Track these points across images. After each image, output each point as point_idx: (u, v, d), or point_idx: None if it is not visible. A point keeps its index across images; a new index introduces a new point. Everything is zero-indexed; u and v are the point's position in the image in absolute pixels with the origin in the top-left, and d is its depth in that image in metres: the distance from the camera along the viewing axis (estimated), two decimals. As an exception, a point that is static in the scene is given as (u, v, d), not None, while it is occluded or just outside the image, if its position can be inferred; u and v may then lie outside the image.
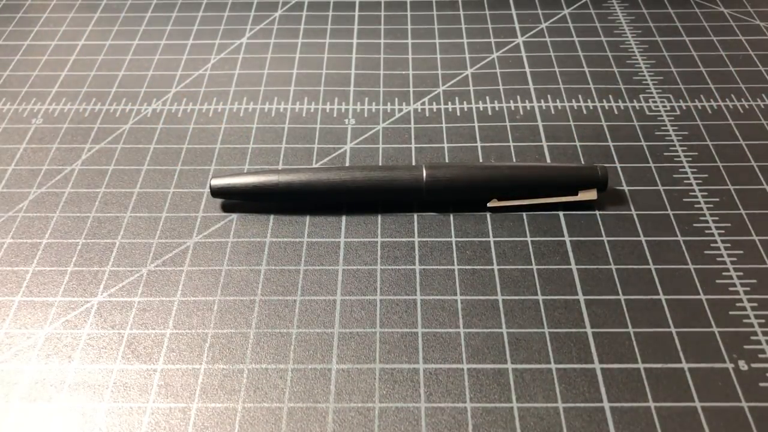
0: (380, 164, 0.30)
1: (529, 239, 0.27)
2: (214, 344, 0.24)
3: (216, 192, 0.28)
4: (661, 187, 0.29)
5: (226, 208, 0.29)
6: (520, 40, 0.37)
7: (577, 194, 0.28)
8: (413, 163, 0.30)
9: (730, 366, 0.23)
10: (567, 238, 0.27)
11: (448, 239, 0.27)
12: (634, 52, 0.36)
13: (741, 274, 0.26)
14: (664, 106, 0.33)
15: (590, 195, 0.28)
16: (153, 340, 0.24)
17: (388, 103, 0.34)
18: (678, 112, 0.33)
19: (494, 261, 0.26)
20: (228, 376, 0.23)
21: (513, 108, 0.33)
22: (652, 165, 0.30)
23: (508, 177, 0.28)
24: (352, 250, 0.27)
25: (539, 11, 0.39)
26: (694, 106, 0.33)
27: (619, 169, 0.30)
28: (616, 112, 0.33)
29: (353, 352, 0.24)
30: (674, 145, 0.31)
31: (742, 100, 0.33)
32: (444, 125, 0.32)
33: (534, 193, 0.28)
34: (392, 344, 0.24)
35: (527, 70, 0.35)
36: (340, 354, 0.24)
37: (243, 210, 0.29)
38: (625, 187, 0.29)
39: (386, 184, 0.28)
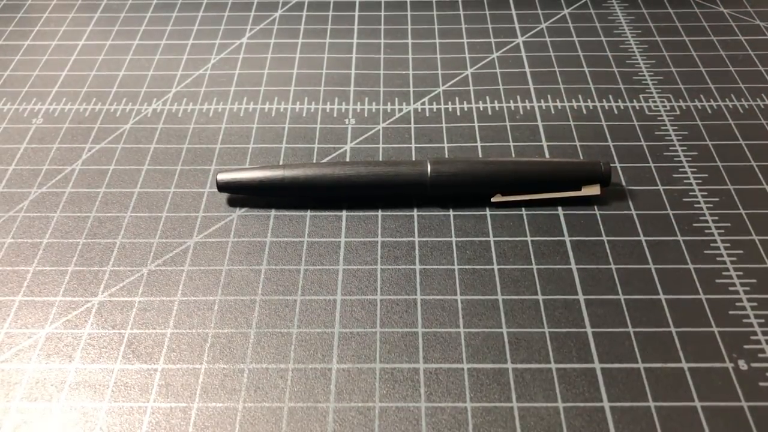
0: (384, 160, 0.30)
1: (529, 239, 0.27)
2: (215, 344, 0.24)
3: (222, 186, 0.28)
4: (660, 187, 0.29)
5: (232, 203, 0.29)
6: (520, 40, 0.37)
7: (580, 189, 0.28)
8: (413, 163, 0.30)
9: (729, 366, 0.23)
10: (567, 238, 0.27)
11: (449, 239, 0.27)
12: (634, 52, 0.36)
13: (741, 273, 0.26)
14: (664, 106, 0.33)
15: (593, 190, 0.28)
16: (153, 340, 0.24)
17: (388, 103, 0.34)
18: (678, 112, 0.33)
19: (494, 261, 0.26)
20: (228, 376, 0.23)
21: (513, 108, 0.33)
22: (651, 165, 0.30)
23: (512, 172, 0.28)
24: (352, 250, 0.27)
25: (539, 11, 0.39)
26: (693, 106, 0.33)
27: (619, 169, 0.30)
28: (616, 112, 0.33)
29: (353, 351, 0.24)
30: (674, 145, 0.31)
31: (742, 100, 0.33)
32: (444, 125, 0.32)
33: (537, 189, 0.28)
34: (392, 344, 0.24)
35: (527, 70, 0.35)
36: (341, 354, 0.24)
37: (247, 205, 0.29)
38: (625, 187, 0.29)
39: (391, 178, 0.28)
